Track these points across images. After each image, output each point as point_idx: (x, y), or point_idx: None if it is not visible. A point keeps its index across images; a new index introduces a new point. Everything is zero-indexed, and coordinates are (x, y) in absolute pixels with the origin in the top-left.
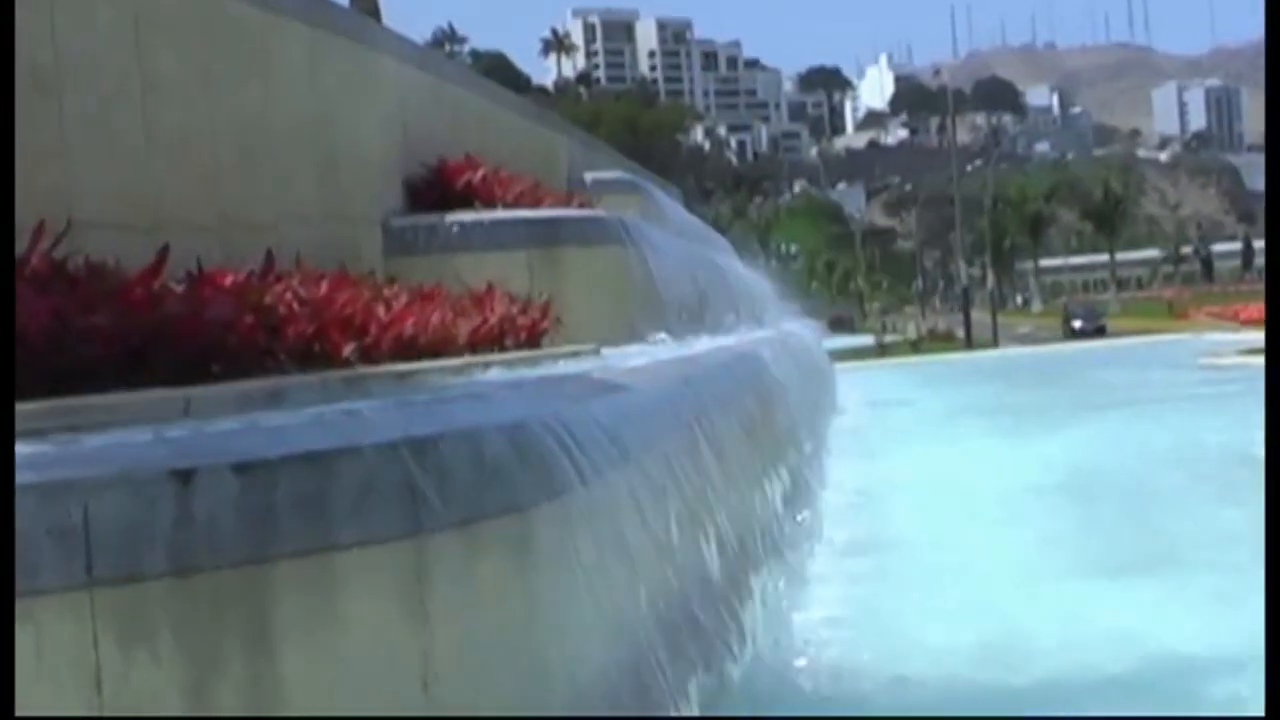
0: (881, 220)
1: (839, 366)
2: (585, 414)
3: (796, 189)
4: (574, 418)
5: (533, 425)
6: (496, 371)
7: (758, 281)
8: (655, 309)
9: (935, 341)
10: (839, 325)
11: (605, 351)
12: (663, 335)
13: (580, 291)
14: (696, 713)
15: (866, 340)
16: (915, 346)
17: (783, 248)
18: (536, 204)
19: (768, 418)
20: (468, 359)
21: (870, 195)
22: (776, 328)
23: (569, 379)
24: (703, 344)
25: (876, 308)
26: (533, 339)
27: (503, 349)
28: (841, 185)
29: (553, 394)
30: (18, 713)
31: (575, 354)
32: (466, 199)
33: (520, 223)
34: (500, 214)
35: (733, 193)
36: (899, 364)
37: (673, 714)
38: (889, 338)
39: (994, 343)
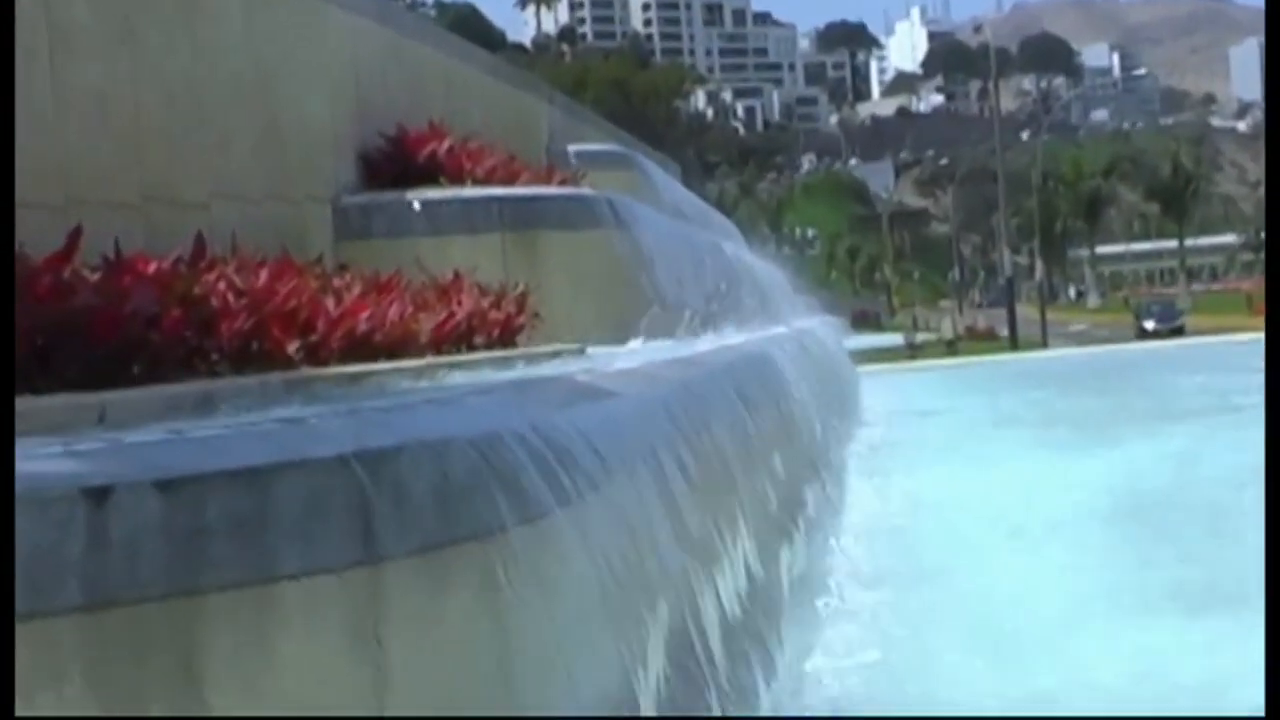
0: (912, 200)
1: (863, 370)
2: (568, 424)
3: (813, 164)
4: (555, 428)
5: (506, 437)
6: (465, 374)
7: (768, 271)
8: (649, 302)
9: (974, 341)
10: (863, 322)
11: (591, 351)
12: (658, 332)
13: (562, 282)
14: None
15: (894, 339)
16: (951, 347)
17: (797, 232)
18: (511, 180)
19: (780, 429)
20: (431, 359)
21: (899, 171)
22: (790, 324)
23: (549, 383)
24: (705, 343)
25: (905, 301)
26: (507, 336)
27: (472, 348)
28: (862, 160)
29: (530, 400)
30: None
31: (556, 354)
32: (430, 174)
33: (493, 202)
34: (469, 192)
35: (739, 168)
36: (932, 367)
37: (673, 714)
38: (920, 337)
39: (1043, 343)
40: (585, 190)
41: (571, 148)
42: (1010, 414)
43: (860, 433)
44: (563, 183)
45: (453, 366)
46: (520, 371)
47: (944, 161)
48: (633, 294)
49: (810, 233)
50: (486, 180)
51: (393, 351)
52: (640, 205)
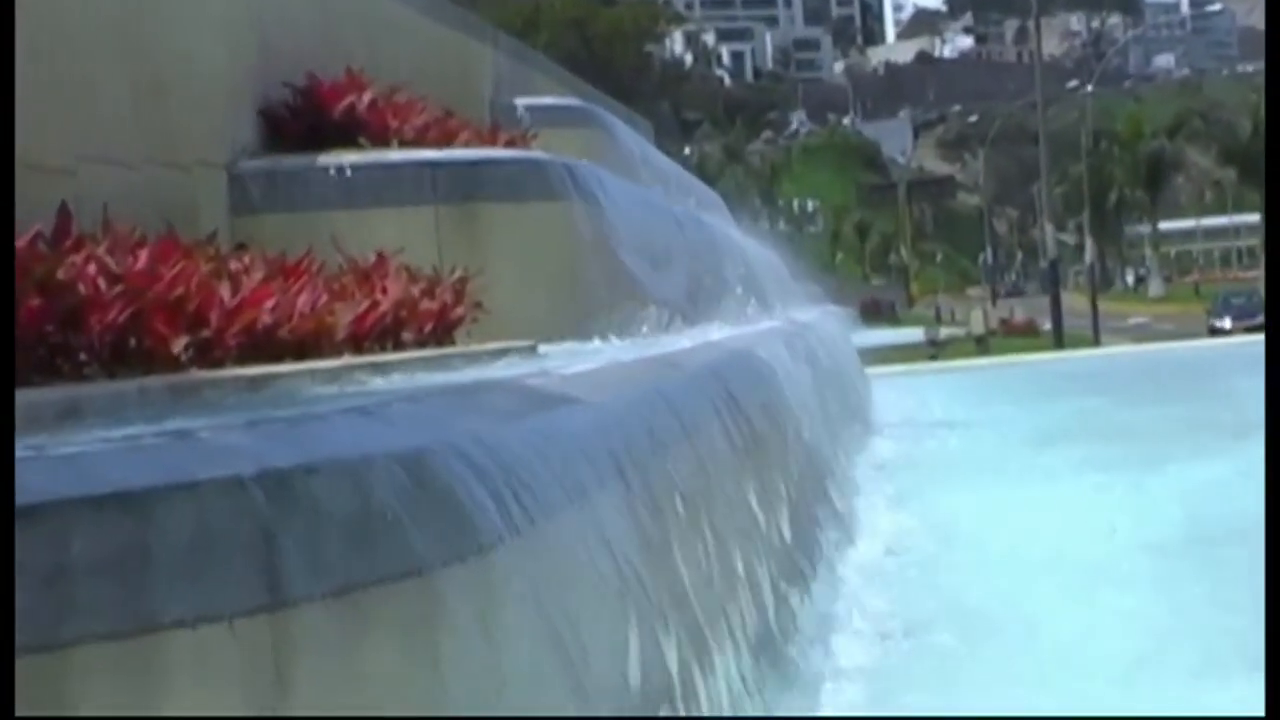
0: (935, 166)
1: (875, 372)
2: (517, 438)
3: (805, 122)
4: (502, 443)
5: (441, 453)
6: (391, 377)
7: (761, 253)
8: (616, 291)
9: (1010, 337)
10: (875, 314)
11: (546, 350)
12: (627, 327)
13: (509, 265)
14: None
15: (913, 334)
16: (982, 344)
17: (796, 205)
18: (447, 141)
19: (775, 443)
20: (350, 359)
21: (919, 130)
22: (787, 316)
23: (494, 388)
24: (684, 340)
25: (926, 289)
26: (442, 331)
27: (399, 345)
28: (873, 117)
29: (470, 409)
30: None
31: (503, 353)
32: (348, 133)
33: (424, 167)
34: (396, 155)
35: (724, 127)
36: (959, 369)
37: (674, 714)
38: (945, 332)
39: (1094, 339)
40: (537, 154)
41: (520, 101)
42: (1055, 427)
43: (872, 448)
44: (510, 144)
45: (376, 368)
46: (459, 374)
47: (973, 119)
48: (596, 280)
49: (811, 206)
50: (417, 141)
51: (302, 350)
52: (605, 172)
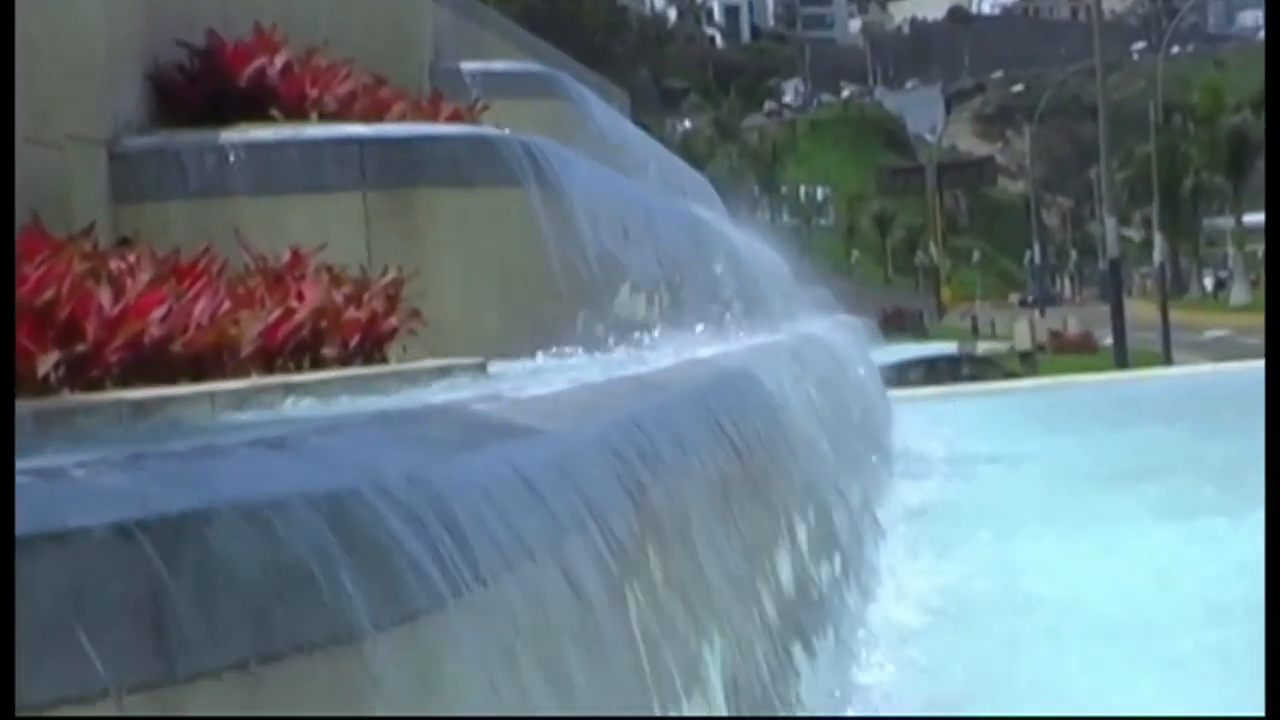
0: (972, 145)
1: (899, 395)
2: (462, 476)
3: (805, 91)
4: (440, 483)
5: (368, 496)
6: (308, 401)
7: (760, 251)
8: (584, 296)
9: (1063, 354)
10: (898, 325)
11: (497, 369)
12: (597, 340)
13: (453, 265)
14: None
15: (945, 349)
16: (1028, 362)
17: (803, 193)
18: (378, 114)
19: (772, 482)
20: (258, 380)
21: (952, 102)
22: (790, 328)
23: (434, 416)
24: (664, 356)
25: (961, 295)
26: (372, 346)
27: (319, 363)
28: (897, 86)
29: (404, 441)
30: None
31: (445, 372)
32: (257, 104)
33: (350, 145)
34: (315, 130)
35: (716, 98)
36: (1001, 392)
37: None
38: (983, 347)
39: (1165, 357)
40: (488, 129)
41: (468, 66)
42: (1117, 464)
43: (895, 489)
44: (454, 118)
45: (290, 390)
46: (391, 398)
47: (1018, 88)
48: (560, 284)
49: (821, 194)
50: (341, 113)
51: (200, 368)
52: (571, 152)
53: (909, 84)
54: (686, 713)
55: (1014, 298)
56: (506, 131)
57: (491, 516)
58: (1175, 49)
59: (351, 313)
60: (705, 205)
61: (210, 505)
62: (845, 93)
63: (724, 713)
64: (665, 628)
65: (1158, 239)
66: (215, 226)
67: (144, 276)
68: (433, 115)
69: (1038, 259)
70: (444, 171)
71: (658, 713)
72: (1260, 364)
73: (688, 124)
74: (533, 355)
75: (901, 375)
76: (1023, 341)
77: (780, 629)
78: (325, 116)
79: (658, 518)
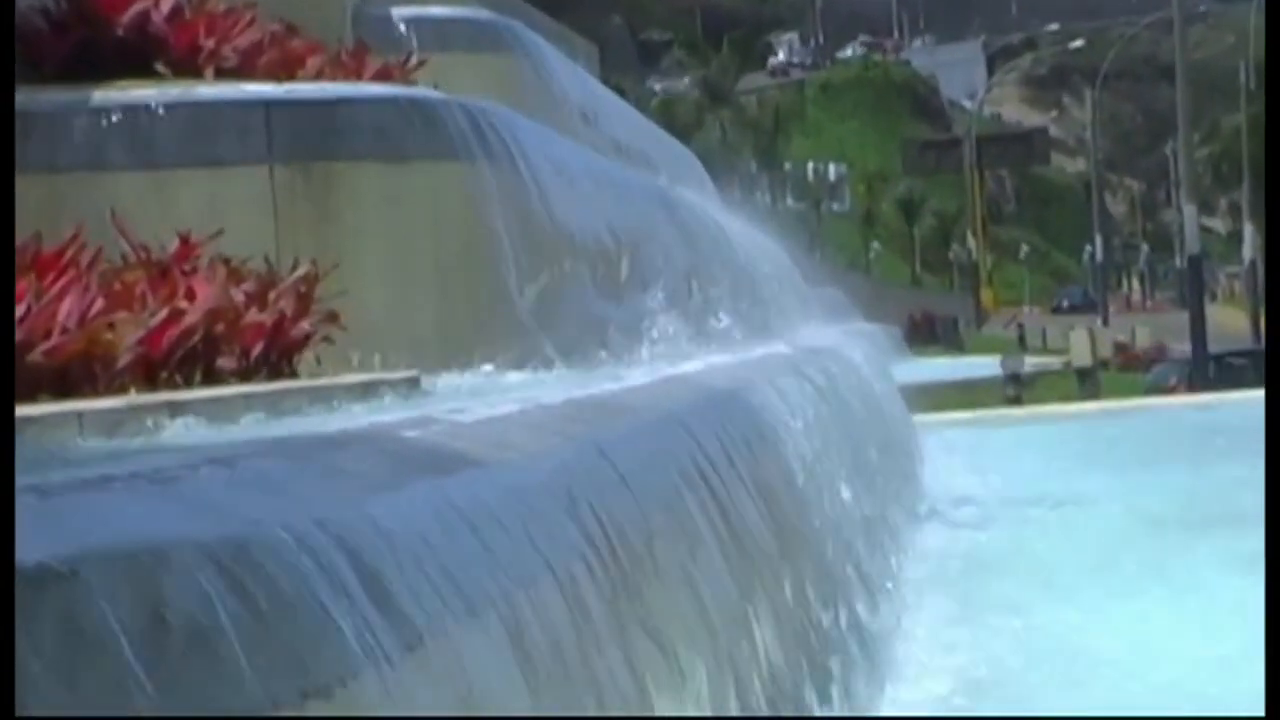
0: (1020, 113)
1: (929, 422)
2: (384, 519)
3: (838, 45)
4: (360, 527)
5: (272, 542)
6: (199, 425)
7: (759, 243)
8: (542, 296)
9: (1130, 370)
10: (928, 333)
11: (432, 384)
12: (557, 350)
13: (380, 257)
14: None
15: (984, 366)
16: (1087, 381)
17: (811, 170)
18: (288, 71)
19: (770, 530)
20: (136, 397)
21: (996, 61)
22: (794, 338)
23: (352, 443)
24: (638, 371)
25: (1005, 298)
26: (279, 355)
27: (212, 375)
28: (929, 40)
29: (317, 474)
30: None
31: (370, 388)
32: (139, 56)
33: (254, 109)
34: (210, 90)
35: (705, 54)
36: (1055, 418)
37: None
38: (1033, 362)
39: (1257, 375)
40: (423, 90)
41: (399, 12)
42: (1196, 508)
43: (922, 538)
44: (382, 76)
45: (176, 410)
46: (301, 421)
47: (1078, 44)
48: (511, 280)
49: (834, 172)
50: (243, 69)
51: (65, 381)
52: (526, 119)
53: (942, 37)
54: None
55: (1063, 301)
56: (446, 93)
57: (423, 568)
58: None
59: (254, 315)
60: (691, 186)
61: (75, 555)
62: (863, 48)
63: None
64: (626, 708)
65: (1248, 230)
66: (86, 207)
67: None
68: (356, 72)
69: (1099, 255)
70: (369, 142)
71: None
72: None
73: (670, 85)
74: (478, 368)
75: (933, 396)
76: (1081, 356)
77: (770, 692)
78: (223, 73)
79: (624, 572)
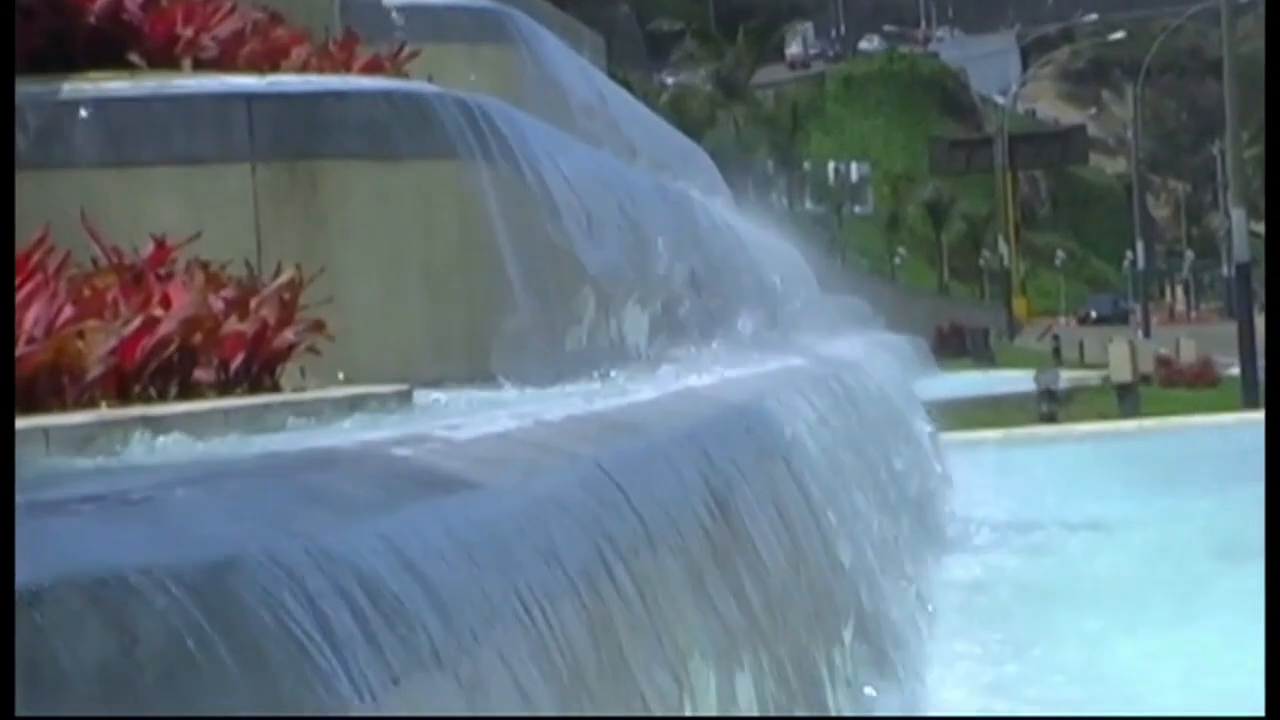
0: (1056, 110)
1: (955, 440)
2: (372, 545)
3: (863, 38)
4: (350, 552)
5: (252, 569)
6: (174, 441)
7: (776, 248)
8: (542, 304)
9: (1174, 385)
10: (956, 345)
11: (425, 398)
12: (559, 363)
13: (370, 262)
14: None
15: (1017, 379)
16: (1127, 397)
17: (832, 170)
18: (272, 62)
19: (784, 559)
20: (108, 411)
21: (1031, 53)
22: (813, 350)
23: (339, 462)
24: (646, 386)
25: (1039, 308)
26: (260, 367)
27: (189, 389)
28: (958, 31)
29: (301, 496)
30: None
31: (357, 403)
32: (112, 46)
33: (235, 103)
34: (189, 82)
35: (718, 46)
36: (1093, 437)
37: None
38: (1068, 377)
39: None
40: (417, 84)
41: (391, 0)
42: (1248, 536)
43: (948, 566)
44: (372, 68)
45: (151, 426)
46: (284, 439)
47: (1118, 36)
48: (510, 288)
49: (856, 172)
50: (223, 61)
51: (32, 395)
52: (527, 116)
53: (973, 28)
54: None
55: (1091, 310)
56: (442, 87)
57: (416, 597)
58: None
59: (234, 324)
60: (703, 187)
61: (42, 580)
62: (887, 40)
63: None
64: None
65: None
66: (54, 207)
67: None
68: (344, 64)
69: (1141, 262)
70: (358, 139)
71: None
72: None
73: (681, 79)
74: (474, 383)
75: (961, 413)
76: (1121, 371)
77: None
78: (202, 64)
79: (626, 604)
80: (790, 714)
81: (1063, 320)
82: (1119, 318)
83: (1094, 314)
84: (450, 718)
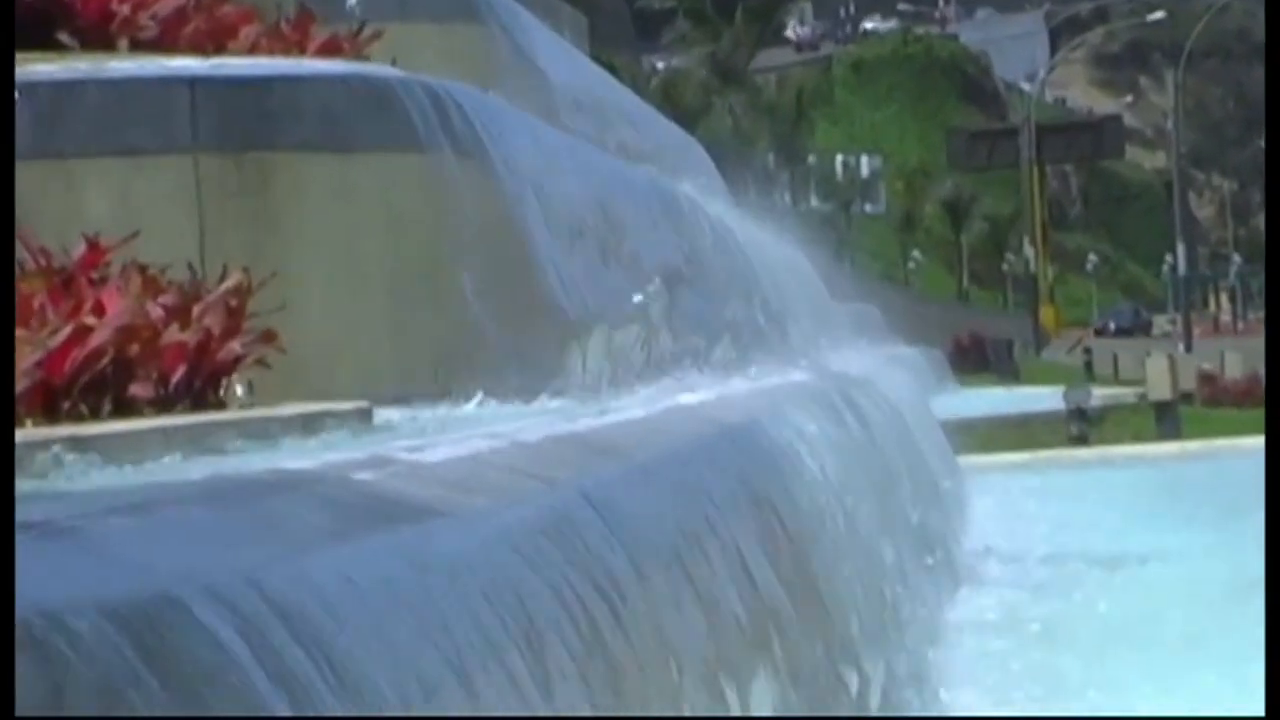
0: (1089, 99)
1: (976, 464)
2: (331, 578)
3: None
4: (302, 588)
5: (192, 605)
6: (105, 463)
7: (778, 250)
8: (519, 311)
9: (1219, 404)
10: (976, 358)
11: (387, 417)
12: (537, 377)
13: (327, 265)
14: None
15: (1044, 397)
16: (1167, 417)
17: (840, 164)
18: (217, 43)
19: (785, 598)
20: (34, 431)
21: (1061, 35)
22: (818, 364)
23: (291, 487)
24: (633, 402)
25: (1069, 318)
26: (204, 382)
27: (124, 405)
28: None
29: (248, 525)
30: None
31: (312, 422)
32: (40, 25)
33: (177, 88)
34: (127, 64)
35: (714, 25)
36: (1128, 462)
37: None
38: (1102, 393)
39: None
40: (378, 68)
41: None
42: None
43: (966, 604)
44: (330, 50)
45: (79, 446)
46: (228, 461)
47: (1157, 16)
48: (484, 295)
49: (867, 166)
50: (164, 41)
51: None
52: (501, 103)
53: (997, 7)
54: None
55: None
56: (406, 72)
57: (374, 638)
58: None
59: (174, 334)
60: (697, 182)
61: None
62: (902, 19)
63: None
64: None
65: None
66: None
67: None
68: (298, 45)
69: (1182, 267)
70: (313, 128)
71: None
72: None
73: (673, 63)
74: (442, 399)
75: (982, 434)
76: (1160, 388)
77: None
78: (140, 45)
79: (604, 645)
80: (792, 714)
81: (1094, 330)
82: (1140, 329)
83: (1112, 326)
84: (450, 718)
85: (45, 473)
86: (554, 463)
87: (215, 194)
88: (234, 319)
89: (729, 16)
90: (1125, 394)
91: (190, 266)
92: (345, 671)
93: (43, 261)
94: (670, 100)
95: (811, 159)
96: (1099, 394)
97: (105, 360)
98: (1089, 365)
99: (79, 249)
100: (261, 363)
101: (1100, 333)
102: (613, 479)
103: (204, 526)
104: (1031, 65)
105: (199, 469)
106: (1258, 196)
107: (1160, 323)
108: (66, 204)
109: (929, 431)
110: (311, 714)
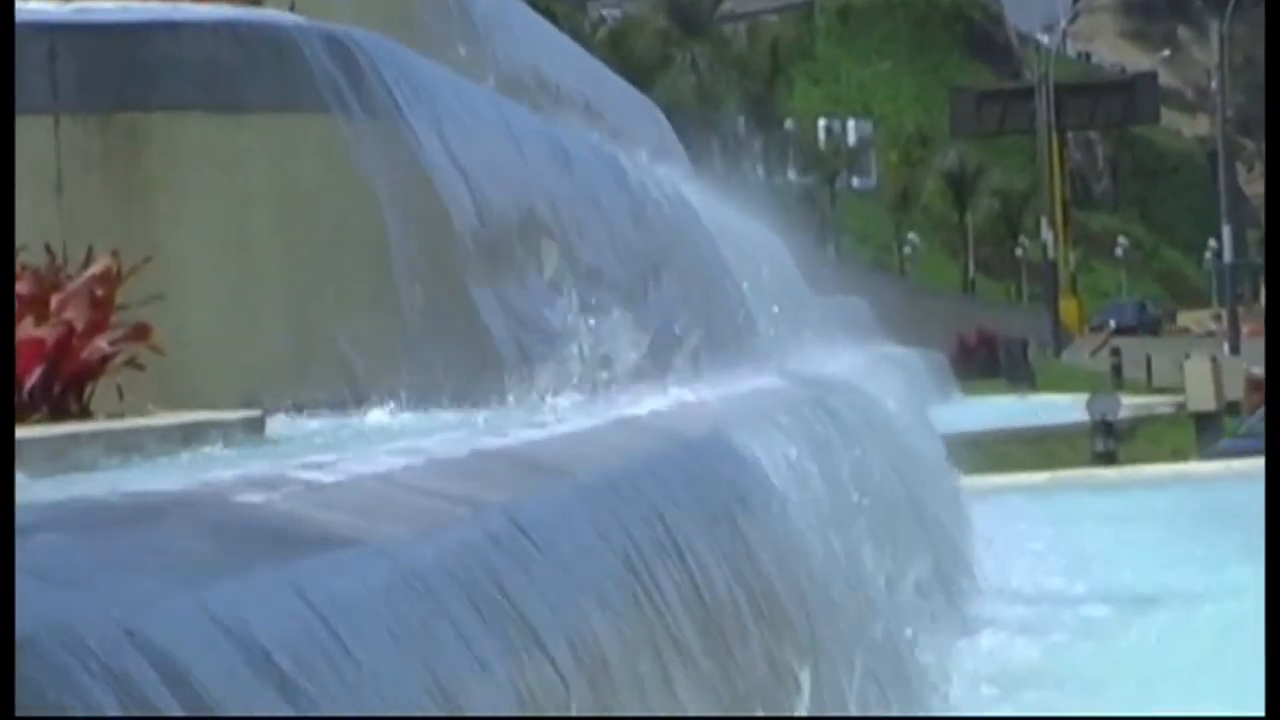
0: (1117, 52)
1: (983, 486)
2: (216, 616)
3: None
4: (182, 628)
5: (52, 650)
6: None
7: (752, 233)
8: (444, 304)
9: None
10: (984, 361)
11: (282, 427)
12: (463, 379)
13: (212, 246)
14: None
15: (1065, 406)
16: (1208, 429)
17: (822, 130)
18: None
19: (752, 649)
20: None
21: None
22: (794, 366)
23: (167, 511)
24: (574, 412)
25: (1093, 310)
26: (66, 384)
27: None
28: None
29: (118, 555)
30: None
31: (194, 432)
32: None
33: (33, 36)
34: None
35: None
36: (1159, 483)
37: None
38: (1133, 403)
39: None
40: (271, 13)
41: None
42: None
43: (971, 651)
44: None
45: None
46: (98, 480)
47: None
48: (400, 282)
49: (855, 133)
50: None
51: None
52: (419, 56)
53: None
54: None
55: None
56: (304, 18)
57: (267, 688)
58: None
59: (29, 329)
60: (651, 150)
61: None
62: None
63: None
64: None
65: None
66: None
67: None
68: None
69: (1228, 253)
70: (195, 84)
71: None
72: None
73: (624, 9)
74: (347, 406)
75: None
76: (1201, 397)
77: None
78: None
79: (530, 693)
80: (791, 714)
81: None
82: (1146, 328)
83: (1113, 324)
84: (450, 718)
85: None
86: (479, 482)
87: (79, 162)
88: (100, 311)
89: None
90: (1160, 403)
91: (49, 249)
92: None
93: None
94: (620, 53)
95: (789, 124)
96: (1129, 403)
97: None
98: (1117, 369)
99: None
100: (134, 363)
101: (1096, 330)
102: (548, 502)
103: (66, 559)
104: (1050, 13)
105: (56, 490)
106: None
107: (1201, 319)
108: None
109: (927, 445)
110: (313, 713)
